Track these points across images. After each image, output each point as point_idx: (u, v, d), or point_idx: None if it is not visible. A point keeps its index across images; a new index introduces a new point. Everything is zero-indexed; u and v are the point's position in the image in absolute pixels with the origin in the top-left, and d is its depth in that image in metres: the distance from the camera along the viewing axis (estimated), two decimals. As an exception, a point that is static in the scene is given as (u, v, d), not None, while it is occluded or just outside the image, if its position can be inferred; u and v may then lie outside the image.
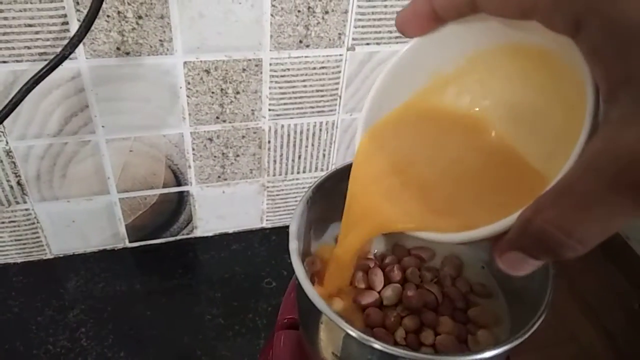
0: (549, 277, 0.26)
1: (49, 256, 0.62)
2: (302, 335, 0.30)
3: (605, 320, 0.66)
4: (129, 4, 0.46)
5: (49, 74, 0.45)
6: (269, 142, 0.60)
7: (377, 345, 0.23)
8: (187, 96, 0.53)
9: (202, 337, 0.56)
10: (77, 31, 0.44)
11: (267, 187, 0.64)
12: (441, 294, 0.29)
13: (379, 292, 0.30)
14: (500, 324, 0.29)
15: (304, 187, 0.66)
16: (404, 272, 0.31)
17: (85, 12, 0.44)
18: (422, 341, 0.28)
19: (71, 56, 0.47)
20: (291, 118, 0.59)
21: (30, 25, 0.45)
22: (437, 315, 0.28)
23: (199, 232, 0.66)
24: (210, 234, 0.67)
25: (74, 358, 0.53)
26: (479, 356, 0.24)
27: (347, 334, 0.23)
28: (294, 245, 0.26)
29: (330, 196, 0.30)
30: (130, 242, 0.64)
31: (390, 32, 0.55)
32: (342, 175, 0.30)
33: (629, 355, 0.63)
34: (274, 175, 0.64)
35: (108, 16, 0.46)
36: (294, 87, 0.56)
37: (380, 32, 0.54)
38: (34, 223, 0.58)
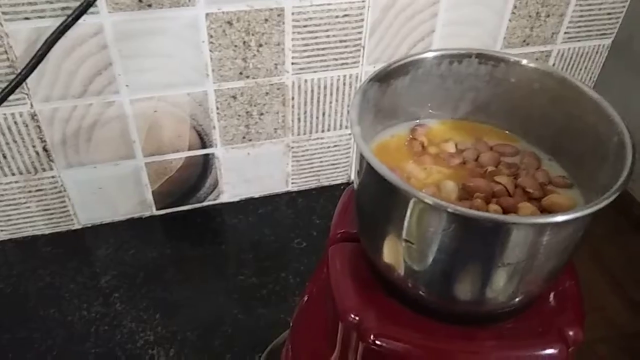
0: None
1: (77, 226, 0.61)
2: (362, 237, 0.29)
3: (630, 290, 0.65)
4: (149, -48, 0.46)
5: (73, 24, 0.44)
6: (293, 98, 0.59)
7: (460, 209, 0.22)
8: (210, 50, 0.53)
9: (237, 296, 0.55)
10: (100, -20, 0.44)
11: (292, 147, 0.63)
12: (513, 185, 0.28)
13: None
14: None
15: (328, 147, 0.65)
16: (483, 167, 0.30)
17: (106, -40, 0.43)
18: None
19: (93, 10, 0.46)
20: (314, 72, 0.58)
21: (51, -22, 0.45)
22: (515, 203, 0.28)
23: (225, 198, 0.66)
24: (237, 199, 0.66)
25: (109, 322, 0.53)
26: (554, 219, 0.23)
27: (423, 203, 0.22)
28: (357, 130, 0.25)
29: (384, 92, 0.29)
30: (157, 209, 0.63)
31: (413, -25, 0.54)
32: (398, 70, 0.29)
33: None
34: (299, 134, 0.63)
35: (129, -34, 0.46)
36: (316, 37, 0.55)
37: (402, -24, 0.53)
38: (60, 191, 0.58)
